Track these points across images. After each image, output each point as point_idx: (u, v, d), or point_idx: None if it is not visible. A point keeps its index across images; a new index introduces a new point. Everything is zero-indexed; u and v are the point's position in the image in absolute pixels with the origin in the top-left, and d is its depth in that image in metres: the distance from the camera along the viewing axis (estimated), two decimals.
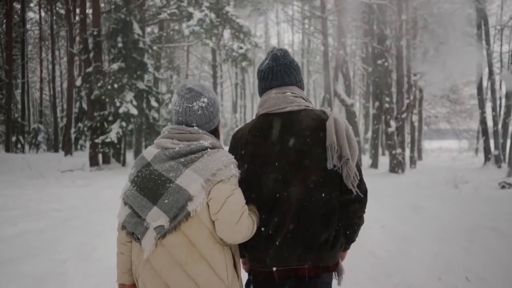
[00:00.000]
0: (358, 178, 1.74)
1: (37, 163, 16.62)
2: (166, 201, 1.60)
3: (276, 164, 1.74)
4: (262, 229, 1.75)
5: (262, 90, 1.92)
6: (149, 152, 1.72)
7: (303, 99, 1.86)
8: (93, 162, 14.84)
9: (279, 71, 1.86)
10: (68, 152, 19.78)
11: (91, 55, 14.64)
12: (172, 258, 1.63)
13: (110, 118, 14.20)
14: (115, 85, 13.25)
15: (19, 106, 30.72)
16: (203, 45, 15.13)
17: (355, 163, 1.74)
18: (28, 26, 33.62)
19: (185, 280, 1.63)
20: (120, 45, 14.30)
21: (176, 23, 15.61)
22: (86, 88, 14.46)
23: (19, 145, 27.75)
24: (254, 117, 1.95)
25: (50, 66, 31.32)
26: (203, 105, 1.78)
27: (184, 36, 14.68)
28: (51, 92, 28.34)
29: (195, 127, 1.75)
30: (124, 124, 13.97)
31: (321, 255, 1.74)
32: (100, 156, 15.26)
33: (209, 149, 1.67)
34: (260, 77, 1.92)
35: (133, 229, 1.68)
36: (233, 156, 1.72)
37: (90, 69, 14.37)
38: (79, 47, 15.42)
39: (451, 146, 35.70)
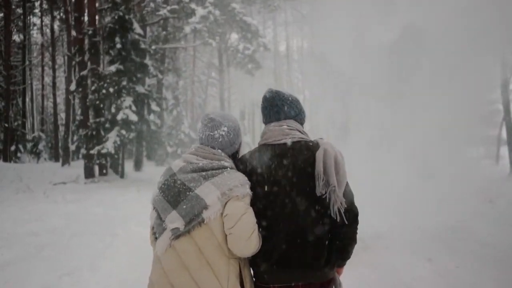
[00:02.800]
0: (345, 205, 1.90)
1: (30, 174, 15.47)
2: (184, 206, 1.86)
3: (272, 190, 1.95)
4: (261, 249, 1.94)
5: (264, 123, 2.17)
6: (176, 164, 2.01)
7: (299, 131, 2.08)
8: (88, 174, 13.61)
9: (273, 110, 2.11)
10: (65, 162, 18.62)
11: (87, 57, 13.47)
12: (181, 261, 1.86)
13: (107, 126, 12.99)
14: (111, 89, 12.04)
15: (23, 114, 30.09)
16: (205, 45, 13.90)
17: (342, 190, 1.91)
18: (33, 32, 32.99)
19: (189, 283, 1.84)
20: (118, 45, 13.15)
21: (178, 21, 14.38)
22: (80, 93, 13.27)
23: (18, 155, 26.73)
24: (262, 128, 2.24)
25: (51, 72, 30.33)
26: (223, 133, 2.04)
27: (185, 35, 13.51)
28: (54, 99, 27.29)
29: (218, 150, 2.02)
30: (123, 132, 12.76)
31: (314, 273, 1.94)
32: (96, 167, 14.04)
33: (228, 168, 1.94)
34: (262, 113, 2.18)
35: (156, 230, 1.94)
36: (246, 179, 1.94)
37: (85, 72, 13.19)
38: (74, 49, 14.26)
39: (464, 152, 33.95)
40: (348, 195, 1.95)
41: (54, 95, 26.56)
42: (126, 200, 10.29)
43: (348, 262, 2.09)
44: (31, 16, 32.01)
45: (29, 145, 28.79)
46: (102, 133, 12.97)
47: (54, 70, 27.03)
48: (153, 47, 13.30)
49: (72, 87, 13.25)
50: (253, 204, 1.94)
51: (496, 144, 27.86)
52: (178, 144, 20.40)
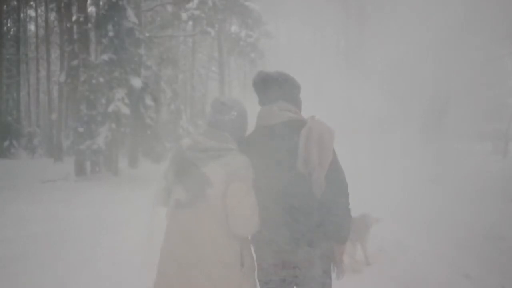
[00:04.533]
0: (323, 186, 1.95)
1: (20, 171, 14.65)
2: (190, 182, 1.99)
3: (263, 170, 2.03)
4: (264, 226, 2.05)
5: (261, 101, 2.26)
6: (185, 142, 2.12)
7: (289, 111, 2.14)
8: (79, 171, 12.74)
9: (264, 93, 2.20)
10: (58, 158, 17.74)
11: (77, 46, 12.55)
12: (183, 234, 2.00)
13: (99, 119, 12.10)
14: (101, 79, 11.13)
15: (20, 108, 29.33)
16: (203, 34, 12.95)
17: (324, 169, 1.95)
18: (31, 25, 32.14)
19: (189, 255, 1.97)
20: (111, 33, 12.23)
21: (175, 8, 13.40)
22: (70, 84, 12.36)
23: (12, 150, 25.86)
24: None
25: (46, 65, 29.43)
26: (233, 117, 2.16)
27: (183, 23, 12.56)
28: (49, 93, 26.41)
29: (226, 133, 2.12)
30: (114, 126, 11.87)
31: (307, 248, 2.01)
32: (88, 164, 13.16)
33: (234, 151, 2.07)
34: (261, 87, 2.23)
35: (162, 197, 2.17)
36: (250, 162, 2.04)
37: (75, 63, 12.28)
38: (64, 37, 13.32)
39: (469, 148, 33.08)
40: (334, 173, 2.00)
41: (49, 88, 25.65)
42: (117, 201, 9.41)
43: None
44: (26, 8, 31.13)
45: (24, 140, 27.98)
46: (94, 127, 12.08)
47: (48, 63, 26.12)
48: (147, 34, 12.31)
49: (62, 78, 12.37)
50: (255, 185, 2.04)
51: (504, 139, 26.97)
52: (176, 140, 19.58)
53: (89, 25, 12.69)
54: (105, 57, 11.86)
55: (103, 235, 6.45)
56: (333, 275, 2.13)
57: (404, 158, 15.53)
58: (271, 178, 2.02)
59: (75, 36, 12.67)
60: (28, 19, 31.74)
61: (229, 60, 24.07)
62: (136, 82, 12.56)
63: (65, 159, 18.87)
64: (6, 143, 25.43)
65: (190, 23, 14.13)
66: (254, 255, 2.14)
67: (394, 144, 15.28)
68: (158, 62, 13.10)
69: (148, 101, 12.46)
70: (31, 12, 31.68)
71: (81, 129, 11.87)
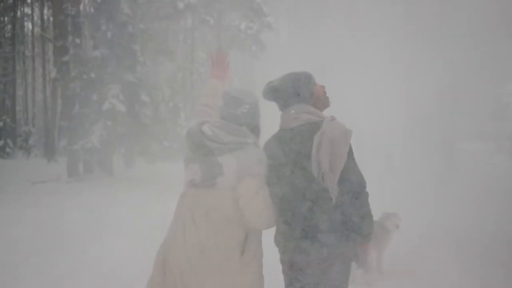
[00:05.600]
0: (335, 190, 1.97)
1: (10, 171, 14.08)
2: (205, 166, 2.07)
3: (282, 172, 2.09)
4: (283, 226, 2.12)
5: (280, 108, 2.29)
6: (205, 130, 2.12)
7: (306, 113, 2.15)
8: (72, 171, 12.16)
9: (279, 101, 2.27)
10: (52, 158, 17.17)
11: (69, 40, 11.96)
12: (191, 214, 2.12)
13: (92, 117, 11.53)
14: (92, 74, 10.56)
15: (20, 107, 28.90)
16: (201, 22, 12.35)
17: (337, 173, 1.97)
18: (28, 23, 31.58)
19: (193, 228, 2.10)
20: (104, 27, 11.66)
21: None
22: (61, 81, 11.78)
23: (7, 150, 25.32)
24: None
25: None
26: (245, 111, 2.20)
27: (178, 11, 11.96)
28: (44, 91, 25.89)
29: (243, 127, 2.18)
30: (110, 124, 11.30)
31: (328, 247, 2.01)
32: (81, 164, 12.58)
33: (250, 145, 2.13)
34: (270, 98, 2.30)
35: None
36: (266, 157, 2.14)
37: (67, 58, 11.70)
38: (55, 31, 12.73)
39: (472, 148, 32.54)
40: (350, 176, 2.02)
41: (45, 86, 25.10)
42: (110, 203, 8.85)
43: None
44: (23, 7, 30.59)
45: (19, 140, 27.46)
46: (87, 125, 11.50)
47: (44, 60, 25.58)
48: (142, 26, 11.72)
49: (53, 74, 11.78)
50: (276, 186, 2.11)
51: (510, 138, 26.44)
52: (174, 139, 19.01)
53: (81, 18, 12.10)
54: (97, 52, 11.29)
55: (91, 242, 5.93)
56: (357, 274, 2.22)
57: (407, 158, 15.04)
58: (290, 181, 2.08)
59: (67, 30, 12.07)
60: (25, 18, 31.23)
61: (229, 53, 23.44)
62: (131, 79, 12.01)
63: (60, 159, 18.27)
64: (1, 143, 24.91)
65: (189, 17, 13.53)
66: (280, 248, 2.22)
67: (396, 143, 14.81)
68: (154, 56, 12.50)
69: (144, 97, 11.88)
70: (28, 10, 31.21)
71: (73, 128, 11.28)
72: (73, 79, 11.16)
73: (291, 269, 2.14)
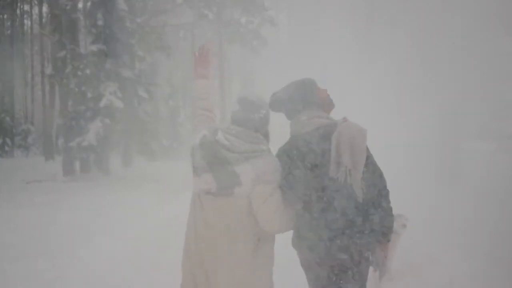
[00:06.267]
0: (362, 185, 2.00)
1: (6, 170, 13.81)
2: (221, 176, 2.06)
3: (300, 176, 2.09)
4: (307, 229, 2.11)
5: (288, 117, 2.32)
6: (219, 139, 2.11)
7: (317, 117, 2.19)
8: (68, 170, 11.84)
9: (287, 108, 2.29)
10: (49, 156, 16.86)
11: (64, 35, 11.63)
12: (205, 217, 2.16)
13: (89, 114, 11.20)
14: (88, 71, 10.23)
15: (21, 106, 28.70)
16: (199, 17, 11.98)
17: (359, 171, 2.00)
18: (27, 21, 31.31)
19: (209, 235, 2.15)
20: (100, 22, 11.34)
21: None
22: (56, 77, 11.46)
23: (6, 148, 25.08)
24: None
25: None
26: (262, 116, 2.23)
27: (176, 5, 11.61)
28: (43, 89, 25.59)
29: (258, 133, 2.19)
30: (107, 121, 10.97)
31: (349, 247, 2.02)
32: (78, 163, 12.26)
33: (266, 152, 2.14)
34: (278, 109, 2.34)
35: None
36: (279, 164, 2.15)
37: (62, 54, 11.38)
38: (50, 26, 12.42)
39: (475, 147, 32.18)
40: (371, 173, 2.06)
41: (43, 84, 24.82)
42: (105, 204, 8.52)
43: None
44: (22, 4, 30.32)
45: (18, 138, 27.25)
46: (83, 123, 11.17)
47: (43, 57, 25.31)
48: (138, 20, 11.37)
49: (48, 70, 11.47)
50: (293, 190, 2.12)
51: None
52: (174, 137, 18.72)
53: (78, 13, 11.78)
54: (94, 47, 10.97)
55: (82, 245, 5.59)
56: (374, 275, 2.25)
57: (410, 159, 14.71)
58: (310, 184, 2.09)
59: (62, 25, 11.75)
60: (25, 15, 30.97)
61: (229, 54, 23.07)
62: (129, 75, 11.68)
63: (58, 158, 17.95)
64: (0, 141, 24.69)
65: (189, 13, 13.19)
66: (298, 253, 2.25)
67: (399, 143, 14.52)
68: (152, 52, 12.19)
69: (142, 93, 11.54)
70: (28, 8, 30.93)
71: (69, 125, 10.96)
72: (68, 74, 10.82)
73: (312, 271, 2.18)
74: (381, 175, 2.11)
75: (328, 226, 2.04)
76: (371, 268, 2.28)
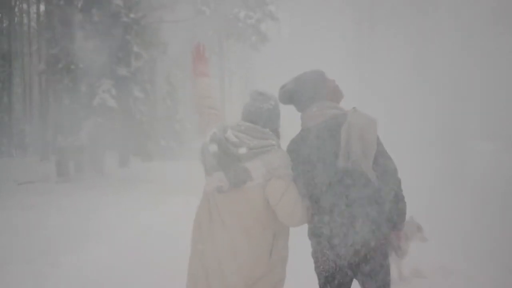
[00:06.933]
0: (373, 175, 2.01)
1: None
2: (233, 173, 2.09)
3: (313, 167, 2.13)
4: (321, 220, 2.14)
5: (298, 109, 2.34)
6: (228, 137, 2.14)
7: (330, 108, 2.21)
8: (61, 171, 11.46)
9: (299, 100, 2.28)
10: (44, 156, 16.50)
11: (58, 32, 11.25)
12: (218, 215, 2.19)
13: (82, 113, 10.84)
14: (81, 65, 9.87)
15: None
16: (197, 13, 11.62)
17: (370, 160, 2.01)
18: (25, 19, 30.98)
19: (223, 232, 2.17)
20: (95, 18, 10.97)
21: None
22: (49, 74, 11.10)
23: (3, 149, 24.78)
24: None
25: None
26: (271, 107, 2.29)
27: (172, 1, 11.26)
28: (40, 88, 25.30)
29: (267, 129, 2.23)
30: (100, 120, 10.61)
31: (364, 237, 2.04)
32: (72, 163, 11.88)
33: (275, 147, 2.18)
34: (288, 101, 2.34)
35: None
36: (289, 158, 2.20)
37: (55, 50, 11.01)
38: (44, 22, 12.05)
39: (481, 147, 31.85)
40: (382, 161, 2.07)
41: (40, 84, 24.51)
42: (97, 206, 8.15)
43: None
44: (21, 3, 29.99)
45: (16, 138, 26.99)
46: (76, 121, 10.80)
47: (41, 56, 24.94)
48: (132, 15, 10.98)
49: (41, 67, 11.11)
50: (305, 181, 2.16)
51: None
52: (172, 137, 18.33)
53: (72, 8, 11.39)
54: (88, 43, 10.60)
55: (68, 250, 5.23)
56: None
57: (418, 160, 14.33)
58: (324, 175, 2.10)
59: (57, 21, 11.38)
60: (24, 14, 30.66)
61: (230, 52, 22.71)
62: (124, 73, 11.30)
63: (53, 158, 17.60)
64: None
65: (186, 8, 12.83)
66: (312, 249, 2.26)
67: (402, 144, 14.13)
68: (148, 49, 11.83)
69: (137, 92, 11.16)
70: (26, 6, 30.61)
71: (61, 124, 10.58)
72: (61, 70, 10.44)
73: (329, 264, 2.15)
74: (392, 164, 2.11)
75: (341, 218, 2.06)
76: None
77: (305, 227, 2.32)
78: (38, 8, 25.10)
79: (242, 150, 2.11)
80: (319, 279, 2.25)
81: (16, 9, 29.05)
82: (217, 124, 2.28)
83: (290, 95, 2.29)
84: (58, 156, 11.52)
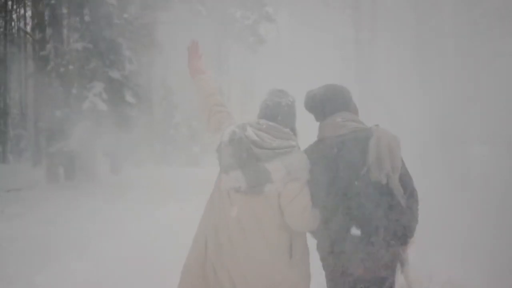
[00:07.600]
0: (401, 190, 2.03)
1: None
2: (252, 173, 2.03)
3: (334, 179, 2.08)
4: (328, 239, 2.11)
5: (318, 118, 2.32)
6: (249, 135, 2.09)
7: (353, 121, 2.21)
8: (51, 177, 11.06)
9: (326, 106, 2.25)
10: (37, 162, 16.12)
11: (48, 33, 10.92)
12: (238, 218, 2.11)
13: (72, 117, 10.47)
14: (71, 67, 9.52)
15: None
16: (192, 13, 11.31)
17: (397, 175, 2.04)
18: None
19: (240, 233, 2.10)
20: (87, 18, 10.63)
21: None
22: (38, 77, 10.76)
23: None
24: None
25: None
26: (289, 102, 2.26)
27: (167, 1, 10.92)
28: (35, 93, 24.95)
29: (287, 129, 2.19)
30: (89, 124, 10.24)
31: (377, 253, 2.02)
32: (62, 169, 11.49)
33: (296, 148, 2.15)
34: (311, 111, 2.34)
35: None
36: (308, 162, 2.13)
37: (45, 52, 10.65)
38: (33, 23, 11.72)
39: (480, 152, 31.76)
40: (405, 179, 2.09)
41: (35, 87, 24.14)
42: (87, 214, 7.74)
43: None
44: (18, 7, 29.75)
45: (11, 144, 26.62)
46: (66, 126, 10.43)
47: (35, 60, 24.62)
48: (125, 15, 10.66)
49: (31, 69, 10.74)
50: (324, 196, 2.09)
51: None
52: (168, 141, 17.96)
53: (62, 8, 11.07)
54: (78, 45, 10.25)
55: (46, 265, 4.84)
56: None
57: (422, 163, 13.94)
58: (342, 187, 2.08)
59: (46, 22, 11.04)
60: (20, 19, 30.44)
61: (228, 55, 22.39)
62: (116, 76, 10.94)
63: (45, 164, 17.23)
64: None
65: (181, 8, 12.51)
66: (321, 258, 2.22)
67: (404, 144, 13.67)
68: (142, 50, 11.49)
69: (129, 97, 10.80)
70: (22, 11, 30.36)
71: (50, 129, 10.20)
72: (50, 72, 10.08)
73: (343, 276, 2.10)
74: (413, 184, 2.15)
75: (362, 229, 2.04)
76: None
77: None
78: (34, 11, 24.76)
79: (263, 150, 2.06)
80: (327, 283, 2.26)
81: (13, 13, 28.85)
82: (233, 122, 2.25)
83: (319, 100, 2.27)
84: (48, 162, 11.13)
